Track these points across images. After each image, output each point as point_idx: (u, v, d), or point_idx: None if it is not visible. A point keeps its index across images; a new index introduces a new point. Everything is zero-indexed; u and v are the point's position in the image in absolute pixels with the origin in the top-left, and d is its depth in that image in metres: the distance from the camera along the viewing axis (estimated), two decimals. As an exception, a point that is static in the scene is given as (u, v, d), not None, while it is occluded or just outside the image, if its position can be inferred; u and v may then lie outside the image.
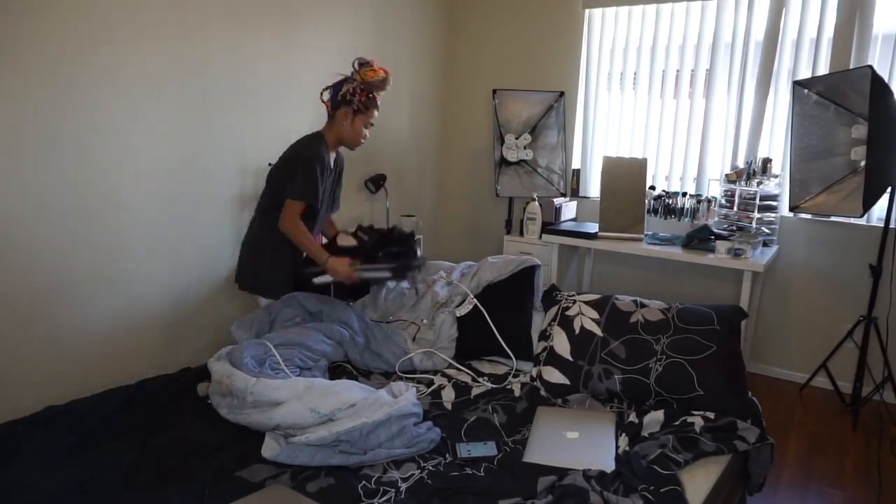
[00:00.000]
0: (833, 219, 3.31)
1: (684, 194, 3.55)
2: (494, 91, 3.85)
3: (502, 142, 3.88)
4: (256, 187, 3.06)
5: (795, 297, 3.50)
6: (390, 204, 3.92)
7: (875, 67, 2.75)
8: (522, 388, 2.24)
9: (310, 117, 3.30)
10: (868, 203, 2.74)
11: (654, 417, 1.96)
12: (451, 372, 2.38)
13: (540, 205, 3.73)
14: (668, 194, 3.59)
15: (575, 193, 4.08)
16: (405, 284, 2.73)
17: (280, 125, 3.13)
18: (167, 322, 2.72)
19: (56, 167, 2.24)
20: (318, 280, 2.45)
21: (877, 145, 2.71)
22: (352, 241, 2.50)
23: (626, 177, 3.46)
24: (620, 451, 1.82)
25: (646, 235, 3.47)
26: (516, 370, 2.41)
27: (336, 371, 2.35)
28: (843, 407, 3.19)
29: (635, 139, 3.87)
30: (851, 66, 3.15)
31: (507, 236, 3.88)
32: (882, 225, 3.05)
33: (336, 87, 2.38)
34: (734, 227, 3.34)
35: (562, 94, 3.88)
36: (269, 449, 1.74)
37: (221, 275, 2.95)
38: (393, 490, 1.61)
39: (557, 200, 3.80)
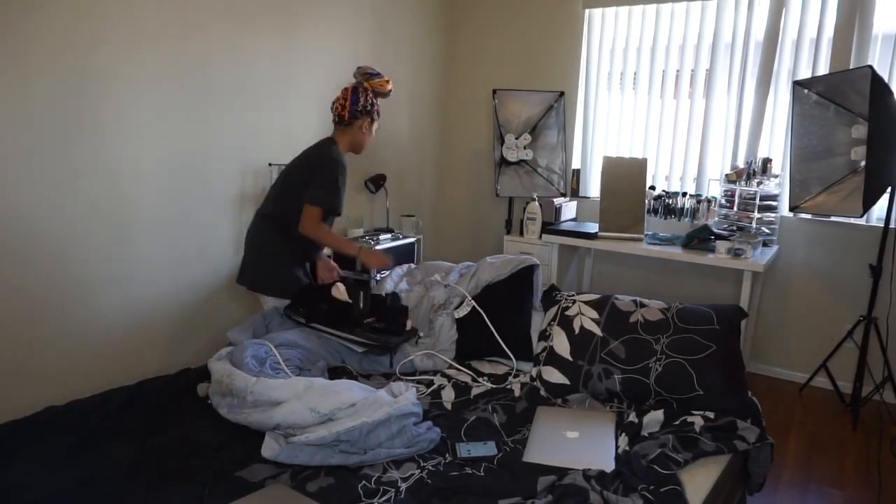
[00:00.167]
0: (833, 219, 3.31)
1: (684, 194, 3.56)
2: (494, 91, 3.86)
3: (502, 142, 3.88)
4: (256, 187, 3.06)
5: (795, 297, 3.50)
6: (390, 204, 3.92)
7: (875, 67, 2.75)
8: (522, 388, 2.24)
9: (310, 117, 3.31)
10: (868, 203, 2.74)
11: (654, 417, 1.96)
12: (450, 372, 2.38)
13: (540, 205, 3.73)
14: (668, 194, 3.59)
15: (575, 193, 4.08)
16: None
17: (280, 125, 3.13)
18: (167, 322, 2.72)
19: (55, 167, 2.24)
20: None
21: (877, 145, 2.71)
22: (345, 297, 2.47)
23: (626, 177, 3.46)
24: (620, 450, 1.82)
25: (646, 235, 3.47)
26: (516, 370, 2.41)
27: (336, 371, 2.35)
28: (843, 407, 3.19)
29: (635, 139, 3.87)
30: (851, 66, 3.15)
31: (507, 236, 3.88)
32: (882, 225, 3.05)
33: (353, 99, 2.41)
34: (734, 227, 3.34)
35: (562, 94, 3.89)
36: (269, 449, 1.74)
37: (221, 275, 2.95)
38: (393, 490, 1.61)
39: (557, 200, 3.80)
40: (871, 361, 3.19)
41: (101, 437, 1.83)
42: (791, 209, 3.18)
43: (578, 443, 1.85)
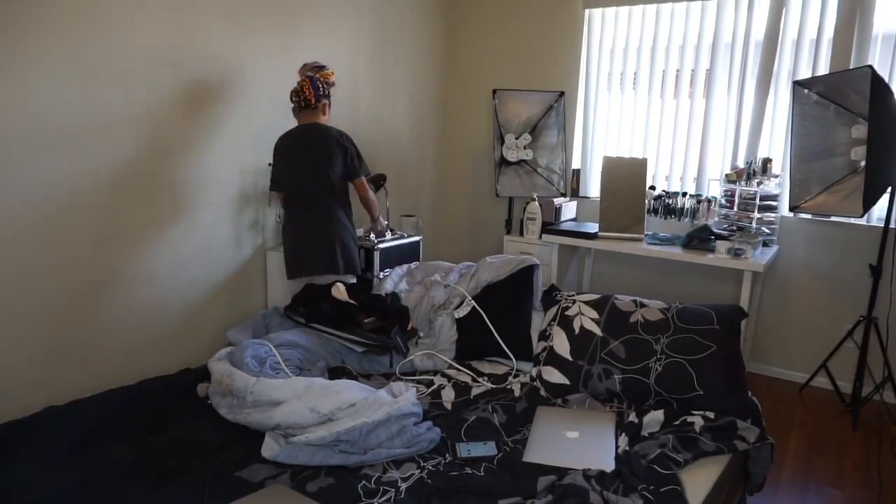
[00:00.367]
0: (833, 219, 3.31)
1: (684, 194, 3.56)
2: (494, 91, 3.85)
3: (502, 142, 3.88)
4: (256, 187, 3.06)
5: (795, 297, 3.50)
6: (390, 204, 3.92)
7: (875, 67, 2.75)
8: (522, 388, 2.25)
9: (310, 117, 3.30)
10: (868, 203, 2.73)
11: (654, 417, 1.96)
12: (450, 372, 2.38)
13: (540, 205, 3.73)
14: (668, 194, 3.59)
15: (575, 193, 4.08)
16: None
17: (280, 125, 3.12)
18: (167, 322, 2.72)
19: (54, 167, 2.24)
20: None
21: (877, 145, 2.71)
22: (345, 297, 2.52)
23: (626, 177, 3.46)
24: (620, 450, 1.82)
25: (646, 235, 3.47)
26: (516, 370, 2.41)
27: (336, 371, 2.35)
28: (843, 407, 3.19)
29: (635, 139, 3.87)
30: (851, 66, 3.14)
31: (507, 236, 3.88)
32: (882, 225, 3.05)
33: (315, 86, 2.73)
34: (734, 227, 3.34)
35: (562, 94, 3.89)
36: (269, 449, 1.74)
37: (221, 275, 2.95)
38: (393, 490, 1.61)
39: (557, 200, 3.80)
40: (871, 361, 3.19)
41: (101, 437, 1.83)
42: (791, 209, 3.18)
43: (578, 443, 1.85)
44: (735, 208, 3.35)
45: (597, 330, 2.28)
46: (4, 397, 2.16)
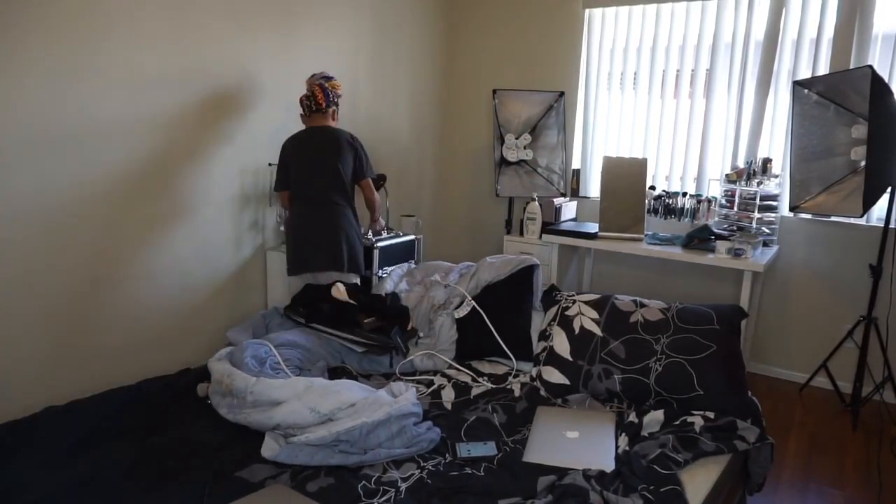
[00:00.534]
0: (833, 219, 3.31)
1: (684, 194, 3.56)
2: (494, 91, 3.85)
3: (502, 142, 3.88)
4: (256, 187, 3.06)
5: (795, 297, 3.50)
6: (390, 204, 3.92)
7: (875, 67, 2.75)
8: (522, 388, 2.25)
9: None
10: (868, 203, 2.74)
11: (654, 417, 1.96)
12: (450, 372, 2.38)
13: (540, 205, 3.73)
14: (668, 194, 3.59)
15: (575, 193, 4.08)
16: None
17: (279, 125, 3.13)
18: (167, 322, 2.72)
19: (54, 168, 2.24)
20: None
21: (877, 145, 2.71)
22: (345, 297, 2.52)
23: (626, 177, 3.46)
24: (620, 450, 1.82)
25: (646, 235, 3.46)
26: (516, 370, 2.41)
27: (336, 371, 2.35)
28: (843, 407, 3.19)
29: (635, 139, 3.87)
30: (851, 66, 3.14)
31: (507, 236, 3.88)
32: (882, 225, 3.05)
33: (325, 93, 2.81)
34: (734, 227, 3.34)
35: (562, 94, 3.88)
36: (269, 449, 1.74)
37: (221, 275, 2.95)
38: (393, 490, 1.61)
39: (557, 200, 3.80)
40: (871, 361, 3.19)
41: (101, 437, 1.83)
42: (791, 209, 3.18)
43: (578, 443, 1.85)
44: (735, 208, 3.35)
45: (597, 330, 2.28)
46: (4, 397, 2.16)
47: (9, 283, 2.16)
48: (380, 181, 3.40)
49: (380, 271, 3.15)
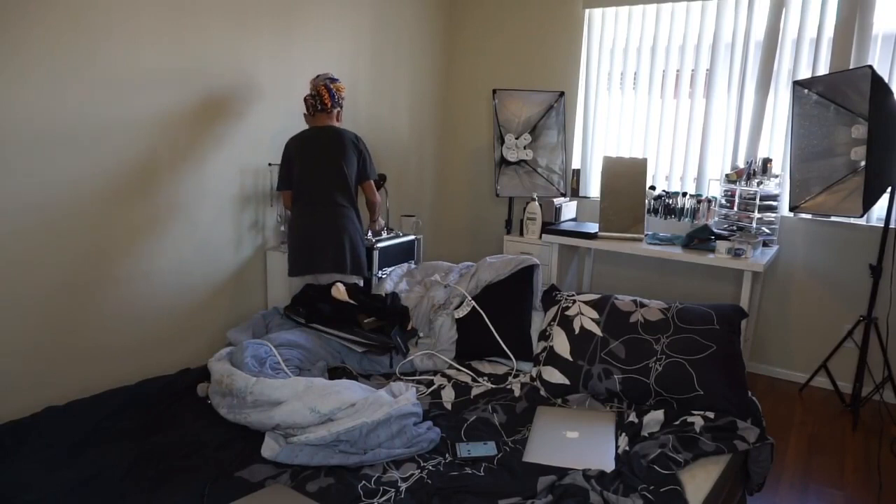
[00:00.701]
0: (833, 219, 3.31)
1: (684, 194, 3.56)
2: (494, 91, 3.85)
3: (502, 142, 3.88)
4: (256, 187, 3.06)
5: (795, 297, 3.50)
6: (390, 204, 3.92)
7: (875, 67, 2.75)
8: (522, 388, 2.25)
9: (310, 117, 3.31)
10: (868, 203, 2.74)
11: (654, 417, 1.96)
12: (450, 372, 2.38)
13: (540, 205, 3.73)
14: (669, 194, 3.59)
15: (575, 193, 4.08)
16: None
17: (279, 125, 3.13)
18: (167, 322, 2.72)
19: (54, 168, 2.24)
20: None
21: (877, 145, 2.71)
22: (345, 297, 2.52)
23: (626, 177, 3.46)
24: (620, 450, 1.82)
25: (646, 235, 3.47)
26: (516, 370, 2.41)
27: (336, 371, 2.35)
28: (843, 407, 3.19)
29: (635, 139, 3.87)
30: (851, 66, 3.15)
31: (507, 236, 3.88)
32: (882, 225, 3.05)
33: (331, 93, 2.83)
34: (734, 227, 3.34)
35: (562, 94, 3.89)
36: (269, 449, 1.74)
37: (221, 275, 2.95)
38: (393, 490, 1.61)
39: (557, 200, 3.80)
40: (871, 361, 3.19)
41: (101, 437, 1.83)
42: (791, 209, 3.18)
43: (578, 443, 1.85)
44: (735, 208, 3.35)
45: (597, 330, 2.28)
46: (4, 397, 2.16)
47: (9, 282, 2.16)
48: (380, 181, 3.40)
49: (380, 272, 3.15)
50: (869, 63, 3.07)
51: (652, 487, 1.62)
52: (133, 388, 2.16)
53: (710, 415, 1.96)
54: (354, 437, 1.74)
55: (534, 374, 2.30)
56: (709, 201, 3.48)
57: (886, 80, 3.00)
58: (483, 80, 4.32)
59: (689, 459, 1.75)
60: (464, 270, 2.84)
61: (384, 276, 3.01)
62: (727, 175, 3.38)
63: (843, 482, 2.52)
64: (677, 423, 1.93)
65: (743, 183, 3.32)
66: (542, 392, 2.21)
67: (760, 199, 3.28)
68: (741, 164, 3.48)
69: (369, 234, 3.18)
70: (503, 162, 3.91)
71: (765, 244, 3.32)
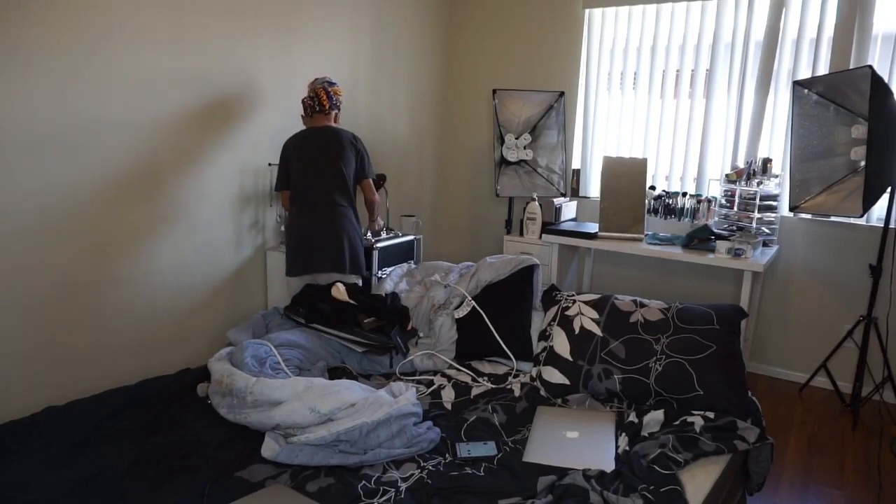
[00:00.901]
0: (833, 219, 3.31)
1: (684, 194, 3.55)
2: (494, 91, 3.85)
3: (502, 142, 3.88)
4: (256, 187, 3.06)
5: (795, 297, 3.50)
6: (390, 204, 3.92)
7: (875, 67, 2.75)
8: (522, 388, 2.25)
9: (310, 117, 3.31)
10: (868, 203, 2.74)
11: (654, 417, 1.96)
12: (450, 372, 2.38)
13: (540, 205, 3.73)
14: (669, 194, 3.59)
15: (575, 193, 4.08)
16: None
17: (279, 125, 3.13)
18: (167, 322, 2.72)
19: (54, 168, 2.24)
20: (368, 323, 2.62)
21: (877, 145, 2.72)
22: (345, 297, 2.52)
23: (626, 177, 3.46)
24: (620, 450, 1.82)
25: (646, 235, 3.47)
26: (516, 370, 2.41)
27: (336, 371, 2.35)
28: (843, 407, 3.19)
29: (635, 139, 3.87)
30: (851, 66, 3.15)
31: (507, 236, 3.88)
32: (882, 225, 3.05)
33: (329, 95, 2.84)
34: (734, 227, 3.34)
35: (562, 94, 3.89)
36: (269, 449, 1.74)
37: (221, 275, 2.95)
38: (393, 490, 1.61)
39: (557, 200, 3.80)
40: (870, 361, 3.19)
41: (101, 437, 1.83)
42: (791, 209, 3.18)
43: (578, 443, 1.85)
44: (735, 208, 3.35)
45: (597, 330, 2.28)
46: (4, 397, 2.16)
47: (8, 283, 2.16)
48: (380, 181, 3.40)
49: (379, 272, 3.15)
50: (869, 63, 3.07)
51: (652, 487, 1.62)
52: (133, 388, 2.16)
53: (710, 415, 1.96)
54: (354, 437, 1.74)
55: (534, 374, 2.30)
56: (709, 201, 3.48)
57: (886, 80, 3.00)
58: (483, 80, 4.32)
59: (689, 459, 1.75)
60: (464, 270, 2.84)
61: (384, 276, 3.00)
62: (727, 175, 3.38)
63: (843, 482, 2.52)
64: (677, 423, 1.93)
65: (743, 183, 3.32)
66: (542, 392, 2.21)
67: (760, 199, 3.28)
68: (741, 164, 3.48)
69: (368, 234, 3.18)
70: (503, 162, 3.91)
71: (765, 244, 3.32)
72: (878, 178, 2.75)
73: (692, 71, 3.65)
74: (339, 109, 2.90)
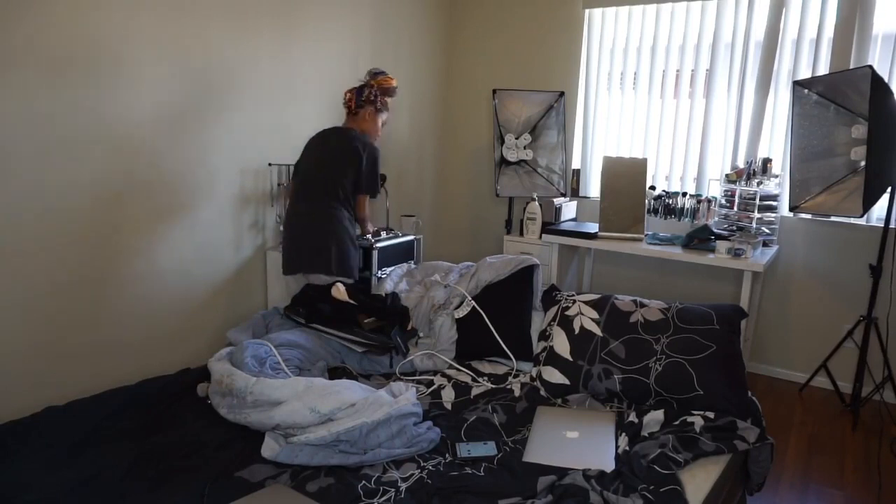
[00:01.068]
0: (833, 219, 3.31)
1: (684, 194, 3.56)
2: (494, 91, 3.85)
3: (502, 142, 3.88)
4: (256, 187, 3.06)
5: (795, 297, 3.50)
6: (390, 204, 3.92)
7: (875, 67, 2.75)
8: (522, 388, 2.25)
9: (309, 117, 3.31)
10: (868, 203, 2.74)
11: (654, 417, 1.96)
12: (450, 372, 2.38)
13: (540, 205, 3.73)
14: (668, 194, 3.59)
15: (575, 193, 4.08)
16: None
17: (279, 125, 3.13)
18: (167, 322, 2.72)
19: (54, 168, 2.24)
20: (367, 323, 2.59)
21: (877, 145, 2.72)
22: (345, 297, 2.52)
23: (626, 177, 3.46)
24: (620, 450, 1.82)
25: (646, 235, 3.47)
26: (516, 370, 2.41)
27: (336, 371, 2.35)
28: (843, 407, 3.19)
29: (635, 139, 3.88)
30: (851, 66, 3.15)
31: (507, 236, 3.88)
32: (882, 225, 3.05)
33: (359, 91, 2.81)
34: (734, 227, 3.34)
35: (562, 94, 3.89)
36: (269, 449, 1.74)
37: (221, 275, 2.95)
38: (393, 490, 1.61)
39: (557, 200, 3.80)
40: (871, 361, 3.19)
41: (101, 437, 1.83)
42: (791, 209, 3.18)
43: (578, 443, 1.85)
44: (735, 208, 3.35)
45: (597, 330, 2.28)
46: (4, 397, 2.16)
47: (8, 283, 2.16)
48: (380, 182, 3.41)
49: (379, 272, 3.15)
50: (869, 63, 3.07)
51: (652, 487, 1.62)
52: (133, 388, 2.16)
53: (710, 415, 1.96)
54: (354, 437, 1.74)
55: (534, 374, 2.30)
56: (709, 201, 3.48)
57: (886, 80, 3.00)
58: (483, 80, 4.32)
59: (689, 459, 1.76)
60: (464, 270, 2.84)
61: (384, 276, 3.00)
62: (727, 175, 3.39)
63: (843, 482, 2.52)
64: (677, 423, 1.93)
65: (743, 183, 3.32)
66: (542, 392, 2.21)
67: (760, 199, 3.28)
68: (741, 164, 3.48)
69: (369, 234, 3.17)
70: (503, 162, 3.91)
71: (765, 244, 3.32)
72: (878, 178, 2.75)
73: (692, 71, 3.66)
74: (375, 104, 2.84)
